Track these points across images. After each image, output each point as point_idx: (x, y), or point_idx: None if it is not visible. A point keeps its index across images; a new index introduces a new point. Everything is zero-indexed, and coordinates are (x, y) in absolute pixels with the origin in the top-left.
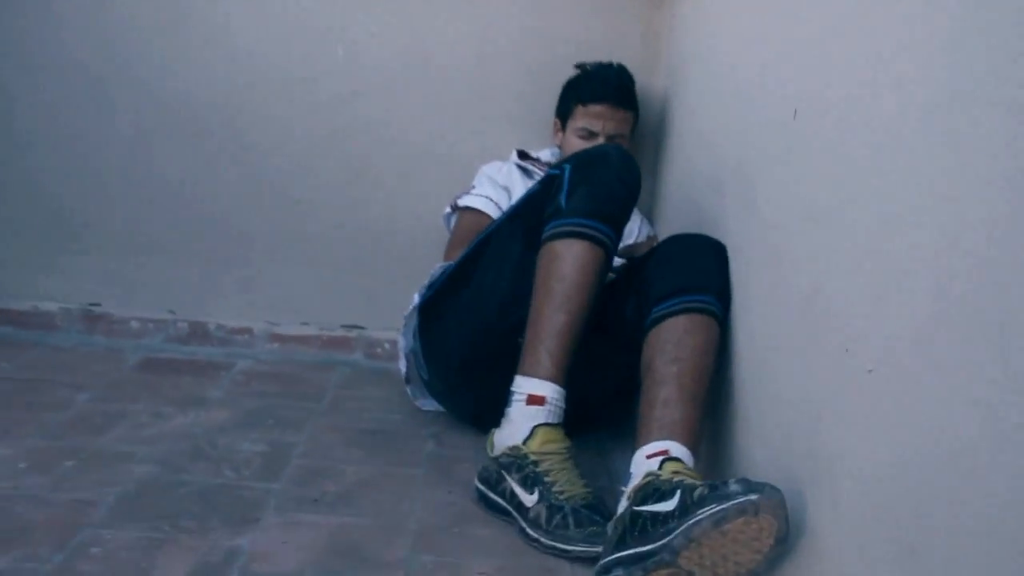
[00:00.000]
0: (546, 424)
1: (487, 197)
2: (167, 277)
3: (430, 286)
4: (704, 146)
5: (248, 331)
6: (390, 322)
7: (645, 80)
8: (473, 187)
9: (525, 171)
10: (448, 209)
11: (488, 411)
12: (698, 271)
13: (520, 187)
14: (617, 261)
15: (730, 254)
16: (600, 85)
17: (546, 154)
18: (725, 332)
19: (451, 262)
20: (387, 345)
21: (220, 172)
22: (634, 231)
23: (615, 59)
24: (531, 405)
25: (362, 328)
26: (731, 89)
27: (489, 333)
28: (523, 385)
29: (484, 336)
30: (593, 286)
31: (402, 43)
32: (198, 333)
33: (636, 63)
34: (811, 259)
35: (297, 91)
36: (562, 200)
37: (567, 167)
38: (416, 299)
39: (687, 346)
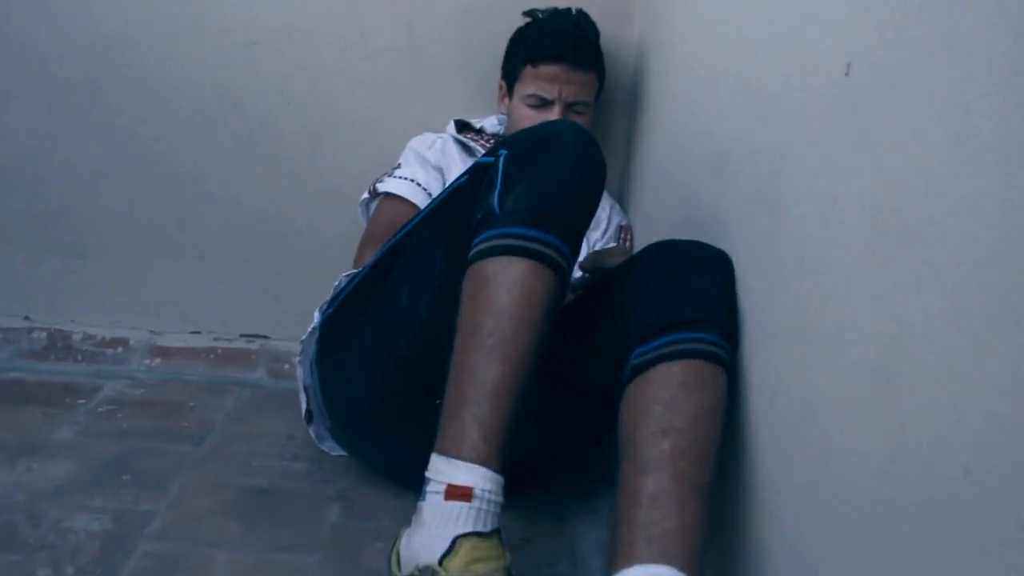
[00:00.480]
0: (474, 534)
1: (413, 181)
2: (18, 273)
3: (331, 302)
4: (695, 113)
5: (123, 342)
6: (300, 330)
7: (614, 29)
8: (397, 167)
9: (465, 147)
10: (365, 195)
11: (411, 469)
12: (696, 295)
13: (459, 167)
14: (576, 274)
15: (737, 267)
16: (553, 39)
17: (491, 123)
18: (733, 384)
19: (359, 270)
20: (296, 359)
21: (83, 142)
22: (601, 221)
23: (575, 2)
24: (452, 501)
25: (265, 338)
26: (740, 34)
27: (404, 373)
28: (441, 470)
29: (397, 377)
30: (540, 323)
31: None
32: (58, 345)
33: (602, 7)
34: (874, 278)
35: (177, 37)
36: (494, 200)
37: (502, 153)
38: (316, 318)
39: (684, 410)
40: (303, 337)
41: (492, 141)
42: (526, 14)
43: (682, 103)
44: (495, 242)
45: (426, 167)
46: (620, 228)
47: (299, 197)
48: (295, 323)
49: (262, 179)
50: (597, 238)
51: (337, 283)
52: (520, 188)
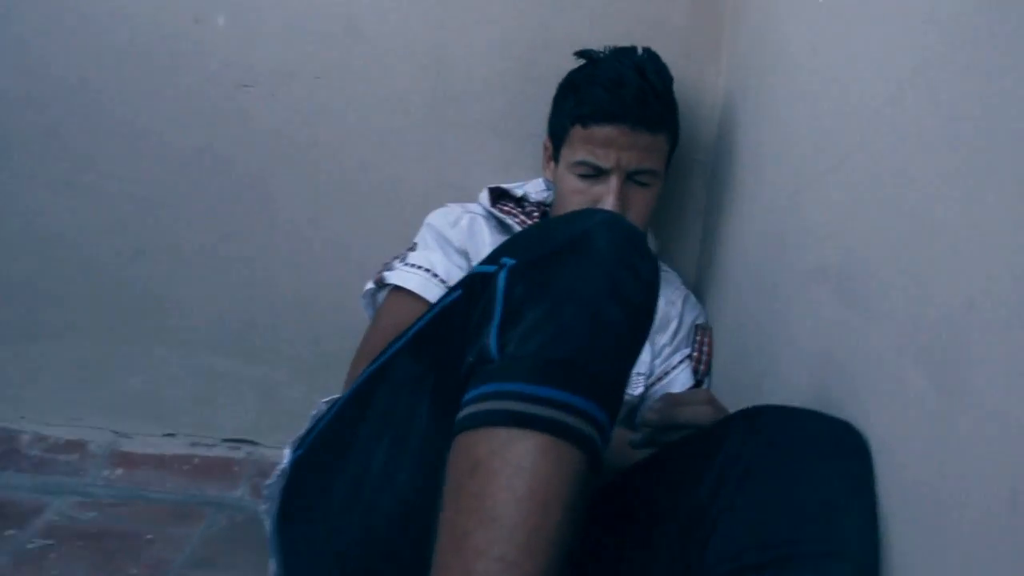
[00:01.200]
0: None
1: (428, 271)
2: None
3: (304, 437)
4: (799, 191)
5: (80, 447)
6: (296, 433)
7: (693, 75)
8: (412, 248)
9: (500, 224)
10: (370, 284)
11: None
12: (815, 511)
13: (490, 247)
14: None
15: (876, 451)
16: (609, 93)
17: (536, 188)
18: None
19: (342, 396)
20: (263, 506)
21: (38, 201)
22: (670, 319)
23: (643, 42)
24: None
25: (253, 444)
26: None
27: (380, 560)
28: None
29: (371, 564)
30: (560, 532)
31: (320, 8)
32: (1, 449)
33: (678, 48)
34: None
35: (154, 78)
36: (491, 338)
37: (505, 264)
38: (286, 457)
39: None
40: (269, 481)
41: (537, 215)
42: (579, 55)
43: (779, 174)
44: (490, 405)
45: (447, 251)
46: (695, 329)
47: (297, 272)
48: (290, 426)
49: (253, 250)
50: (664, 342)
51: (315, 411)
52: (529, 319)
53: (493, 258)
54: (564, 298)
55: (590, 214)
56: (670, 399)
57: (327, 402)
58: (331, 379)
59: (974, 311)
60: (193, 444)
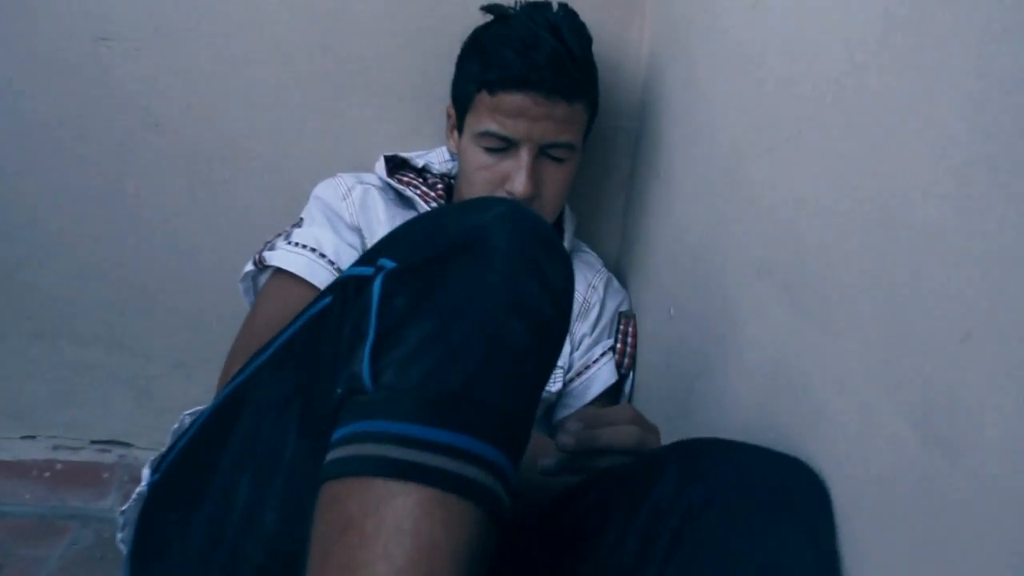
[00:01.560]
0: None
1: (315, 251)
2: None
3: (160, 461)
4: (733, 167)
5: None
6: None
7: (614, 30)
8: (298, 224)
9: (399, 197)
10: (249, 266)
11: None
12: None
13: (386, 225)
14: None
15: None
16: (520, 56)
17: (439, 159)
18: None
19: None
20: (119, 535)
21: None
22: (590, 307)
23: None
24: None
25: (126, 446)
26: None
27: None
28: None
29: None
30: None
31: None
32: None
33: (597, 12)
34: None
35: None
36: (363, 363)
37: (383, 266)
38: (144, 477)
39: None
40: (123, 506)
41: (441, 188)
42: (487, 9)
43: (714, 147)
44: (363, 449)
45: (337, 227)
46: (619, 317)
47: (173, 253)
48: (166, 426)
49: (121, 228)
50: (585, 332)
51: (177, 426)
52: (411, 340)
53: (370, 257)
54: (454, 313)
55: (487, 205)
56: (589, 417)
57: (191, 415)
58: (214, 373)
59: (972, 344)
60: (56, 447)
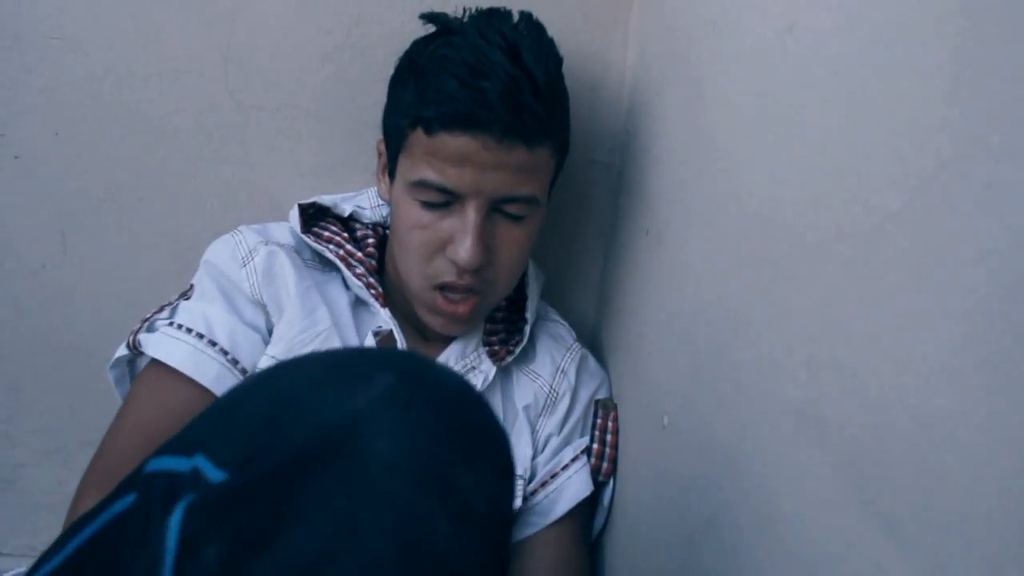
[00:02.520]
0: None
1: (202, 337)
2: None
3: None
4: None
5: None
6: (44, 539)
7: (593, 44)
8: (187, 294)
9: (318, 259)
10: (122, 349)
11: None
12: None
13: (296, 304)
14: None
15: None
16: (466, 88)
17: (371, 204)
18: None
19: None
20: None
21: None
22: (559, 397)
23: (519, 3)
24: None
25: None
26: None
27: None
28: None
29: None
30: None
31: None
32: None
33: (571, 5)
34: None
35: None
36: None
37: (201, 474)
38: None
39: None
40: None
41: (372, 243)
42: (427, 19)
43: (738, 199)
44: None
45: (234, 302)
46: (595, 407)
47: (44, 315)
48: (38, 527)
49: None
50: (551, 431)
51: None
52: None
53: (189, 437)
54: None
55: (364, 369)
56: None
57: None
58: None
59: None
60: None
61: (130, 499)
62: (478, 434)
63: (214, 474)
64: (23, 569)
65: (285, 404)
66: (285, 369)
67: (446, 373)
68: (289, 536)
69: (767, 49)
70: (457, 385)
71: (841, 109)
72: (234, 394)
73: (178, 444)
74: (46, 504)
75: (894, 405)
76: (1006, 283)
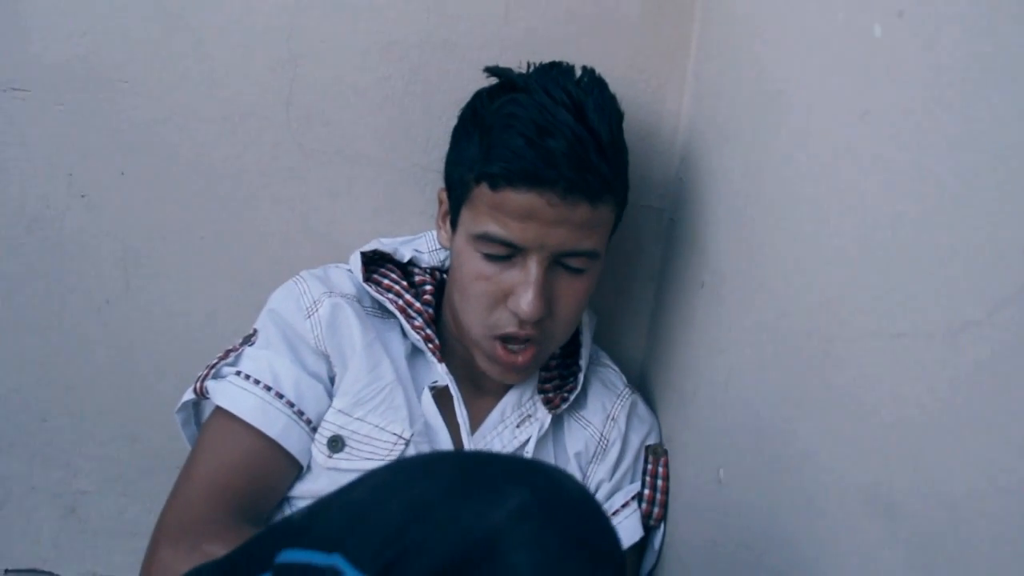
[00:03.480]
0: None
1: (269, 389)
2: None
3: None
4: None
5: None
6: (105, 563)
7: (648, 93)
8: (250, 340)
9: (379, 308)
10: (189, 394)
11: None
12: None
13: (362, 355)
14: None
15: None
16: (533, 148)
17: (428, 248)
18: None
19: None
20: None
21: None
22: (610, 444)
23: (579, 44)
24: None
25: (50, 575)
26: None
27: None
28: None
29: None
30: None
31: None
32: None
33: (627, 53)
34: None
35: None
36: None
37: (340, 574)
38: None
39: None
40: None
41: (430, 290)
42: (491, 72)
43: (796, 265)
44: None
45: (299, 353)
46: (646, 453)
47: (105, 347)
48: (98, 552)
49: (43, 316)
50: (602, 477)
51: None
52: None
53: (321, 530)
54: None
55: (496, 484)
56: None
57: None
58: (154, 487)
59: None
60: None
61: None
62: (599, 543)
63: (349, 573)
64: None
65: (421, 512)
66: (415, 472)
67: (570, 485)
68: None
69: (840, 131)
70: (580, 496)
71: (922, 201)
72: (366, 492)
73: (314, 539)
74: (105, 530)
75: (970, 509)
76: None
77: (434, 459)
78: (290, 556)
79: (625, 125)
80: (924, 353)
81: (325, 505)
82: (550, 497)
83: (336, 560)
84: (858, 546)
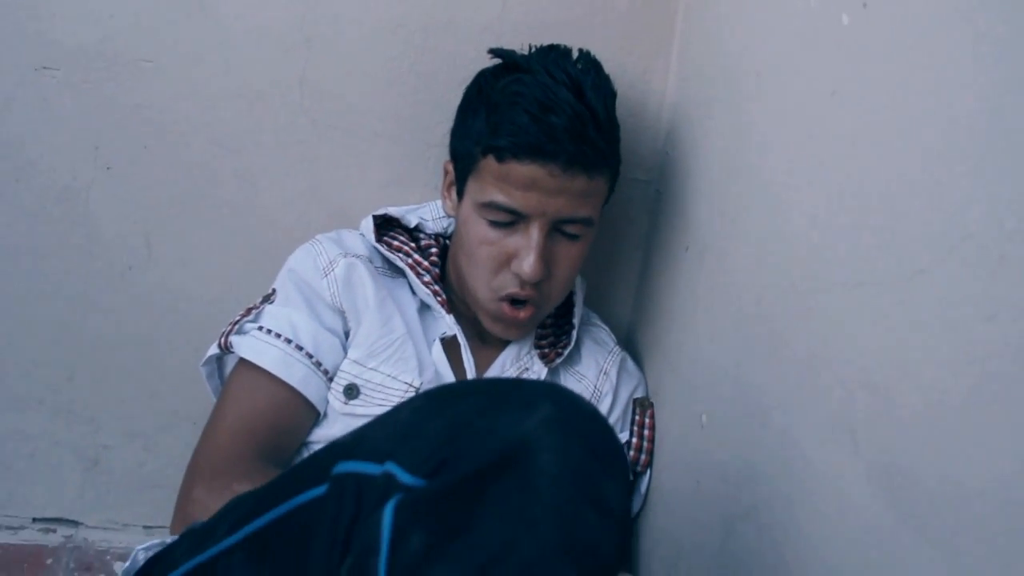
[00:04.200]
0: None
1: (289, 341)
2: None
3: None
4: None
5: None
6: (126, 514)
7: (636, 71)
8: (270, 299)
9: (389, 266)
10: (214, 349)
11: None
12: None
13: (373, 310)
14: None
15: None
16: (537, 123)
17: (432, 216)
18: None
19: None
20: (117, 564)
21: None
22: (603, 395)
23: (574, 27)
24: None
25: (73, 524)
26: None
27: None
28: None
29: None
30: None
31: None
32: None
33: (618, 37)
34: None
35: None
36: None
37: (394, 477)
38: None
39: None
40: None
41: (435, 252)
42: (495, 54)
43: (777, 231)
44: None
45: (316, 309)
46: (633, 405)
47: (127, 309)
48: (120, 502)
49: (67, 279)
50: None
51: (129, 562)
52: None
53: (373, 447)
54: (490, 561)
55: (526, 398)
56: None
57: (145, 550)
58: (173, 442)
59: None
60: None
61: (319, 491)
62: (612, 453)
63: (406, 478)
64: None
65: (461, 425)
66: (451, 395)
67: (585, 404)
68: (479, 528)
69: (811, 108)
70: (595, 413)
71: (881, 170)
72: (409, 413)
73: (365, 451)
74: (127, 483)
75: (922, 427)
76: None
77: (466, 383)
78: (345, 467)
79: (618, 102)
80: (881, 298)
81: (371, 427)
82: (570, 411)
83: (389, 466)
84: (826, 473)
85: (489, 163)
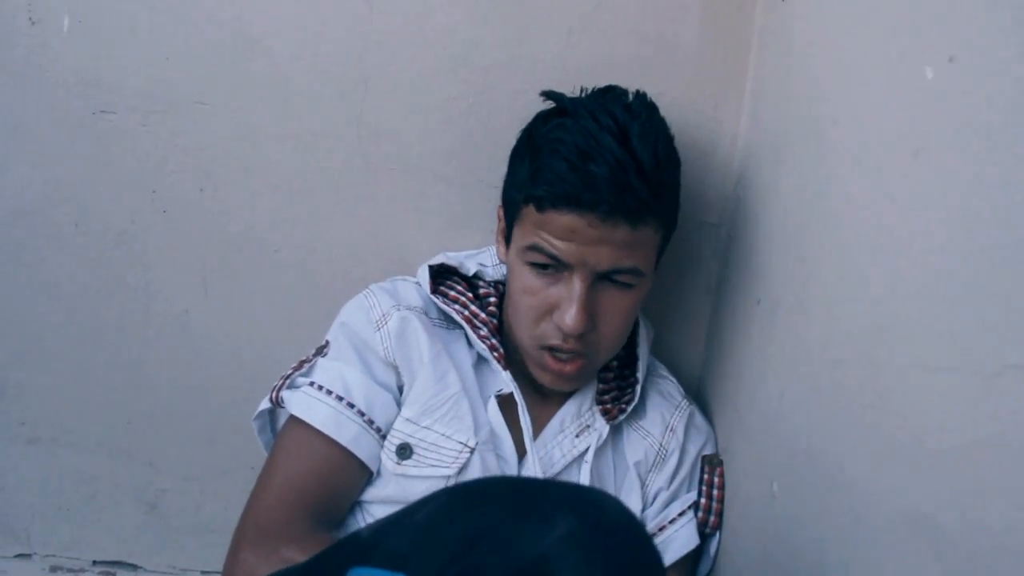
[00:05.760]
0: None
1: (341, 399)
2: None
3: None
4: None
5: None
6: (185, 558)
7: (706, 110)
8: (323, 351)
9: (445, 319)
10: (266, 403)
11: None
12: None
13: (429, 367)
14: None
15: None
16: (575, 172)
17: (492, 262)
18: None
19: None
20: None
21: None
22: (668, 454)
23: (642, 65)
24: None
25: (133, 567)
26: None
27: None
28: None
29: None
30: None
31: (204, 10)
32: None
33: (687, 73)
34: None
35: None
36: None
37: None
38: None
39: None
40: None
41: (494, 302)
42: (547, 96)
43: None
44: None
45: (369, 364)
46: (702, 463)
47: (184, 354)
48: (178, 546)
49: (126, 325)
50: (660, 486)
51: None
52: None
53: (387, 549)
54: None
55: (546, 511)
56: None
57: None
58: (230, 487)
59: None
60: (54, 568)
61: None
62: (640, 567)
63: None
64: None
65: (478, 536)
66: (473, 498)
67: (615, 511)
68: None
69: (893, 167)
70: (625, 522)
71: (966, 247)
72: (427, 516)
73: (381, 557)
74: (184, 526)
75: (1009, 536)
76: None
77: (489, 485)
78: (359, 573)
79: (683, 143)
80: (967, 390)
81: (390, 524)
82: (596, 523)
83: None
84: (904, 562)
85: (530, 212)
